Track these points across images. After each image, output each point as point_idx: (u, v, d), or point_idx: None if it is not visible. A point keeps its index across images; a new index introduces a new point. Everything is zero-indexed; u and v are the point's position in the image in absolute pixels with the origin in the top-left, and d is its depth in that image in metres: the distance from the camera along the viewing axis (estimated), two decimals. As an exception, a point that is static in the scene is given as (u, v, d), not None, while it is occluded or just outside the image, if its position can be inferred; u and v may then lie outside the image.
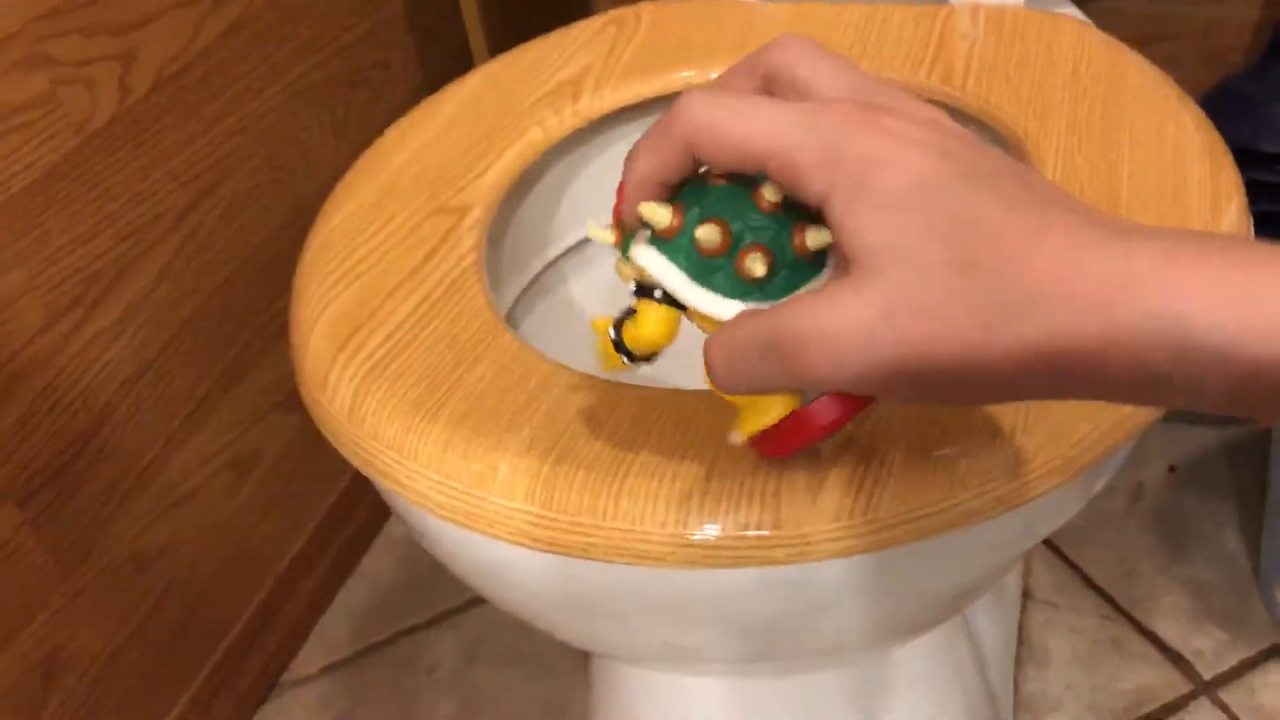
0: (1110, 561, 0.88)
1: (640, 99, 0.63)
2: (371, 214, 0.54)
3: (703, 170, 0.32)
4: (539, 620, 0.47)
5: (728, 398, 0.34)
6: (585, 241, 0.70)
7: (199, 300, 0.80)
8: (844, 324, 0.27)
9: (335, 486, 0.96)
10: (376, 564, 0.97)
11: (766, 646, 0.46)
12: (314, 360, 0.47)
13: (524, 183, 0.62)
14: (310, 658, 0.91)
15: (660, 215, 0.32)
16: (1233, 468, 0.92)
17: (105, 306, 0.72)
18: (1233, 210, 0.49)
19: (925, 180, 0.27)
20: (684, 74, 0.63)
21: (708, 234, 0.31)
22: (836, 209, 0.28)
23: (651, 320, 0.34)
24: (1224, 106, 0.84)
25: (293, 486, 0.91)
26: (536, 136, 0.60)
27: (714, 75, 0.63)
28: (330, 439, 0.45)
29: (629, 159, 0.32)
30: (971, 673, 0.72)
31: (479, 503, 0.40)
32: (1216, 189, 0.50)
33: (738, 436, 0.35)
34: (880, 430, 0.40)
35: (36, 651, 0.71)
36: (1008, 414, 0.40)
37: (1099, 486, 0.47)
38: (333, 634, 0.92)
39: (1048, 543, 0.90)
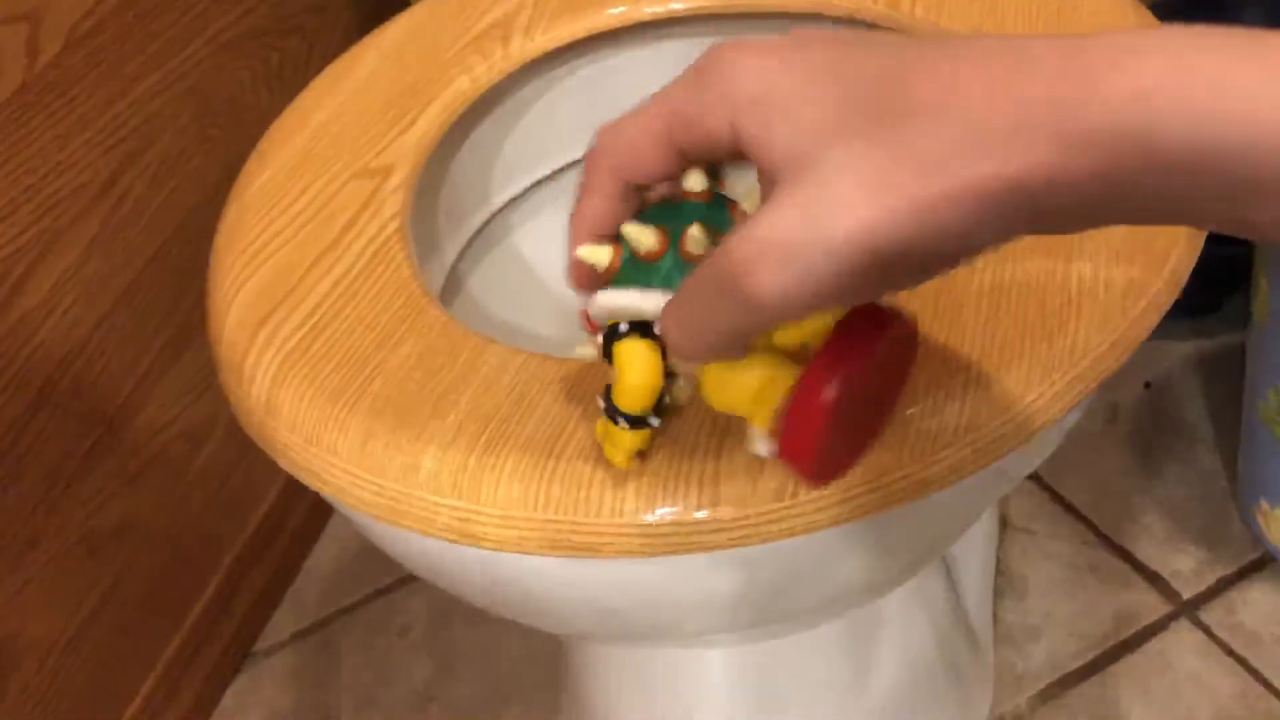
0: (1087, 485, 0.86)
1: (574, 38, 0.60)
2: (288, 181, 0.51)
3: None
4: (483, 606, 0.45)
5: (712, 396, 0.31)
6: (531, 189, 0.67)
7: (133, 271, 0.77)
8: (784, 225, 0.25)
9: (296, 449, 0.94)
10: (343, 526, 0.95)
11: (725, 621, 0.45)
12: (229, 346, 0.44)
13: (455, 135, 0.59)
14: (281, 625, 0.90)
15: (646, 236, 0.30)
16: (1208, 383, 0.90)
17: (31, 284, 0.69)
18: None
19: (817, 65, 0.26)
20: (614, 10, 0.59)
21: (697, 239, 0.30)
22: (747, 131, 0.26)
23: (639, 358, 0.31)
24: (1194, 14, 0.80)
25: (251, 453, 0.89)
26: (464, 85, 0.57)
27: (646, 9, 0.59)
28: (249, 432, 0.43)
29: (571, 218, 0.31)
30: (948, 610, 0.71)
31: (404, 498, 0.38)
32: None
33: (758, 438, 0.31)
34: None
35: (-10, 644, 0.69)
36: (959, 375, 0.38)
37: (1054, 445, 0.45)
38: (303, 599, 0.91)
39: (1023, 469, 0.88)
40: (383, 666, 0.85)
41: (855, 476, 0.36)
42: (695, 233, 0.30)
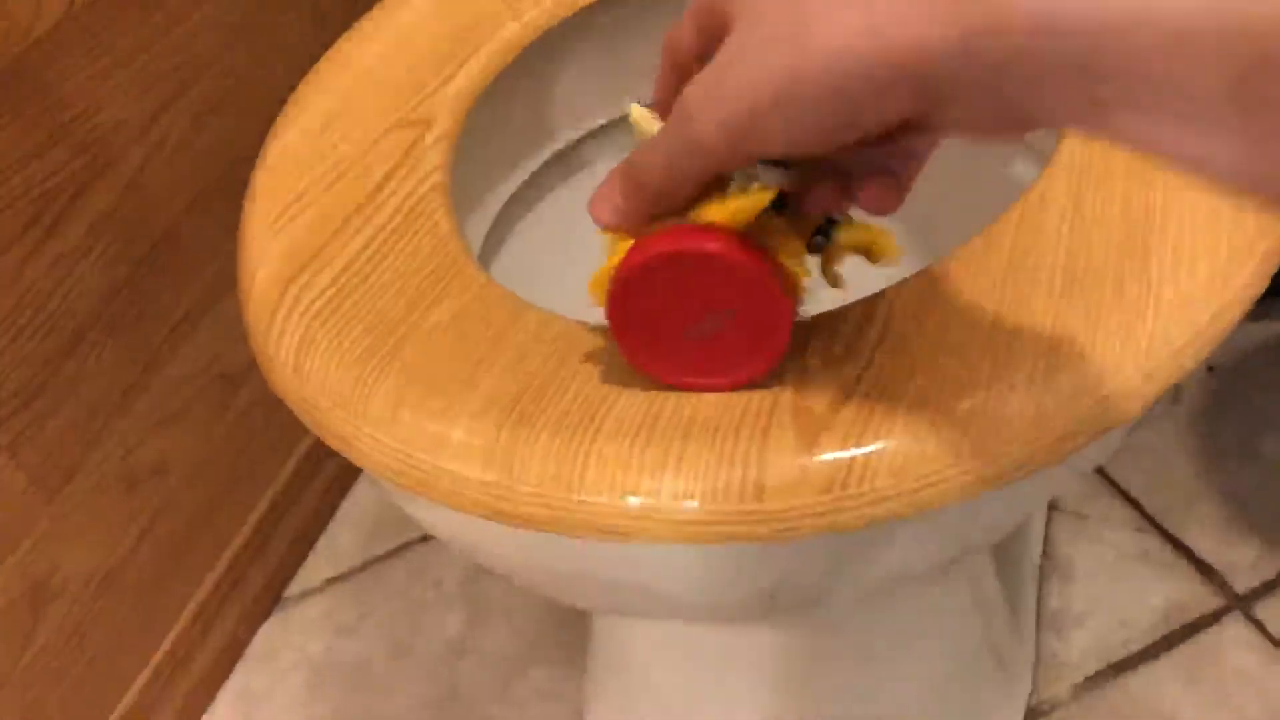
0: (1144, 469, 0.83)
1: (628, -15, 0.57)
2: (325, 131, 0.49)
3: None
4: (514, 581, 0.44)
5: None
6: (579, 143, 0.65)
7: (173, 213, 0.75)
8: (708, 73, 0.28)
9: (335, 395, 0.93)
10: (380, 474, 0.95)
11: (763, 608, 0.43)
12: (258, 305, 0.43)
13: (501, 84, 0.56)
14: (315, 570, 0.89)
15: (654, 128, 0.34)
16: (1275, 368, 0.87)
17: (66, 225, 0.68)
18: None
19: None
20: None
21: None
22: (720, 16, 0.30)
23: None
24: None
25: (289, 398, 0.88)
26: (513, 31, 0.55)
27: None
28: (278, 394, 0.41)
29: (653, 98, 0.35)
30: (991, 593, 0.69)
31: (434, 469, 0.36)
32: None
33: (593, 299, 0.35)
34: (878, 387, 0.35)
35: (23, 579, 0.69)
36: (1025, 367, 0.35)
37: (1121, 439, 0.42)
38: (338, 545, 0.91)
39: (1076, 449, 0.85)
40: (415, 617, 0.85)
41: (910, 471, 0.34)
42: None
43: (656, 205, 0.32)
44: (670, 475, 0.34)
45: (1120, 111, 0.24)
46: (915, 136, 0.28)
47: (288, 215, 0.45)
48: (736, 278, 0.33)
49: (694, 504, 0.34)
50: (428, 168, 0.47)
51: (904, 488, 0.33)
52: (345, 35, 0.55)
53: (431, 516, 0.39)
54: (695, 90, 0.29)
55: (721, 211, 0.32)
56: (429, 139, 0.48)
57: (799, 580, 0.38)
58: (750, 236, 0.33)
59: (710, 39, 0.31)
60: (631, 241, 0.33)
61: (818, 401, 0.35)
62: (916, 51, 0.25)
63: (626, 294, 0.33)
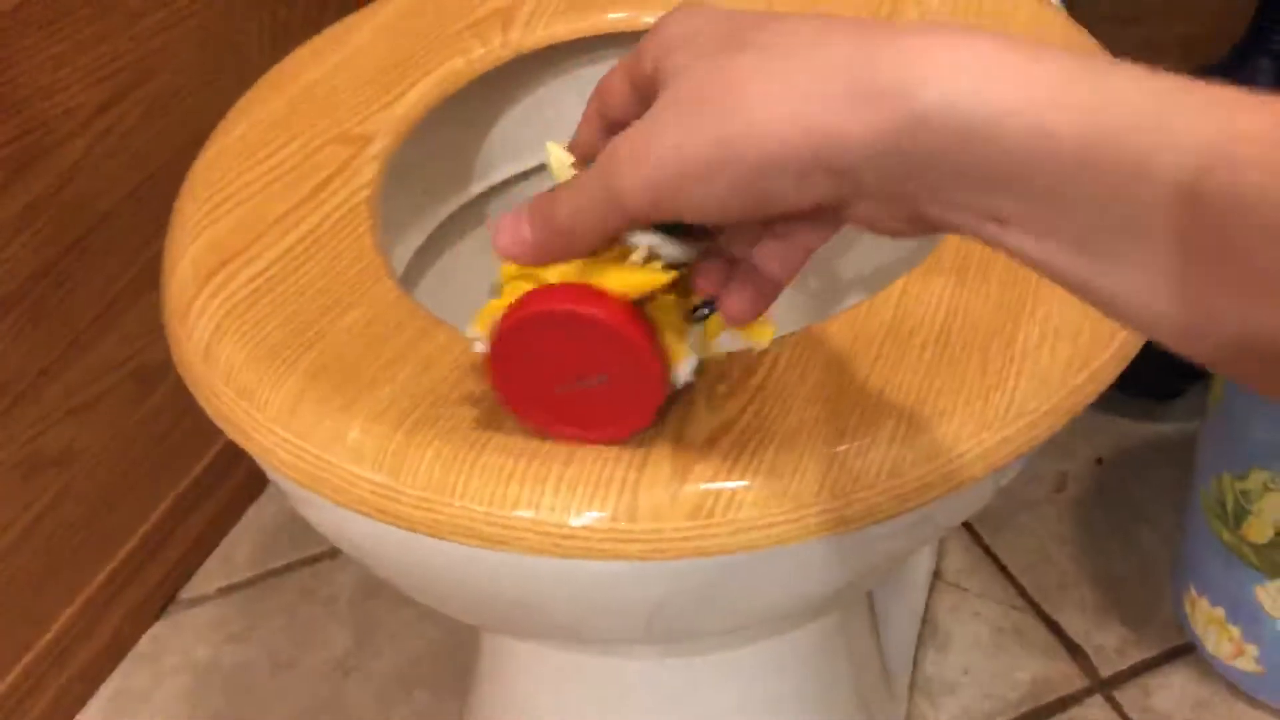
0: (1025, 549, 0.87)
1: (573, 36, 0.60)
2: (267, 135, 0.51)
3: None
4: (398, 586, 0.45)
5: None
6: (511, 180, 0.67)
7: (111, 202, 0.76)
8: (638, 131, 0.29)
9: (251, 403, 0.93)
10: (288, 486, 0.95)
11: (635, 631, 0.45)
12: (178, 290, 0.44)
13: (442, 115, 0.59)
14: (209, 577, 0.89)
15: (568, 175, 0.35)
16: (1161, 466, 0.91)
17: (5, 200, 0.68)
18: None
19: (709, 14, 0.30)
20: (615, 15, 0.59)
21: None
22: (656, 64, 0.31)
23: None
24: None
25: (204, 401, 0.88)
26: (458, 66, 0.57)
27: (645, 19, 0.59)
28: (184, 378, 0.43)
29: (572, 141, 0.37)
30: (868, 651, 0.71)
31: (326, 466, 0.38)
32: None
33: (477, 334, 0.36)
34: (754, 428, 0.37)
35: (-90, 553, 0.68)
36: (891, 419, 0.38)
37: (994, 489, 0.45)
38: (234, 555, 0.91)
39: (964, 525, 0.89)
40: (304, 632, 0.85)
41: (773, 505, 0.36)
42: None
43: (561, 246, 0.32)
44: (550, 491, 0.36)
45: (1016, 230, 0.25)
46: (824, 223, 0.30)
47: (221, 210, 0.47)
48: (621, 348, 0.34)
49: (569, 519, 0.36)
50: (360, 182, 0.49)
51: (764, 521, 0.36)
52: (296, 50, 0.57)
53: (322, 513, 0.41)
54: (624, 145, 0.29)
55: (619, 281, 0.33)
56: (366, 154, 0.50)
57: (671, 604, 0.40)
58: (640, 308, 0.34)
59: (642, 95, 0.32)
60: (523, 286, 0.34)
61: (697, 435, 0.37)
62: (837, 142, 0.26)
63: (513, 340, 0.34)
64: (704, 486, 0.36)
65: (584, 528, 0.36)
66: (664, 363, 0.35)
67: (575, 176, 0.32)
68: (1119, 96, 0.23)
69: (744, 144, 0.27)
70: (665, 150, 0.28)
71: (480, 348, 0.36)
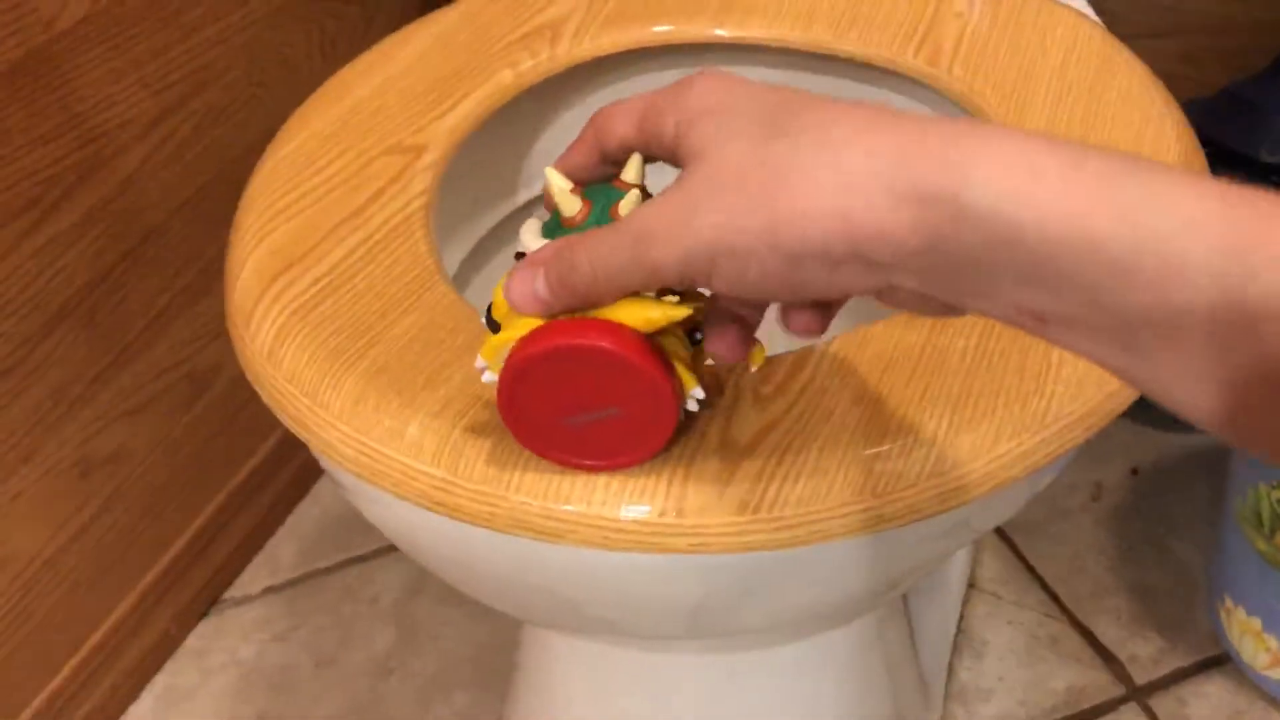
0: (1060, 558, 0.87)
1: (619, 49, 0.61)
2: (323, 147, 0.53)
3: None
4: (450, 580, 0.47)
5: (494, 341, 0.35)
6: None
7: (165, 212, 0.78)
8: (676, 204, 0.29)
9: (296, 408, 0.95)
10: (330, 491, 0.97)
11: (679, 626, 0.46)
12: (241, 295, 0.46)
13: (492, 126, 0.60)
14: (254, 578, 0.91)
15: (570, 204, 0.35)
16: (1196, 476, 0.91)
17: (64, 210, 0.71)
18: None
19: (747, 90, 0.31)
20: (660, 28, 0.61)
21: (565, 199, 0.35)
22: (681, 130, 0.31)
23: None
24: (1229, 111, 0.82)
25: (251, 405, 0.90)
26: (506, 79, 0.59)
27: (689, 31, 0.61)
28: (249, 378, 0.44)
29: (560, 159, 0.37)
30: (903, 657, 0.72)
31: (386, 460, 0.39)
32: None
33: (485, 365, 0.35)
34: (799, 427, 0.39)
35: (-29, 549, 0.71)
36: (931, 422, 0.39)
37: (1032, 494, 0.46)
38: (279, 556, 0.93)
39: (999, 533, 0.89)
40: (347, 631, 0.87)
41: (817, 503, 0.37)
42: (628, 204, 0.35)
43: (575, 306, 0.33)
44: (601, 486, 0.38)
45: (1056, 326, 0.26)
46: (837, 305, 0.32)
47: (280, 219, 0.48)
48: (638, 382, 0.34)
49: (619, 513, 0.37)
50: (415, 190, 0.50)
51: (808, 518, 0.37)
52: (349, 64, 0.59)
53: (381, 507, 0.42)
54: (658, 218, 0.30)
55: (634, 316, 0.33)
56: (419, 165, 0.52)
57: (714, 599, 0.41)
58: (653, 341, 0.34)
59: (651, 145, 0.33)
60: (533, 320, 0.34)
61: (743, 433, 0.39)
62: (877, 238, 0.26)
63: (527, 374, 0.34)
64: (750, 483, 0.37)
65: (633, 521, 0.37)
66: (679, 395, 0.35)
67: (593, 236, 0.32)
68: (1159, 202, 0.24)
69: (785, 232, 0.27)
70: (704, 228, 0.28)
71: (489, 378, 0.36)
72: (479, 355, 0.35)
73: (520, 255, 0.35)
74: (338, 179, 0.51)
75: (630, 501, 0.37)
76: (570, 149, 0.36)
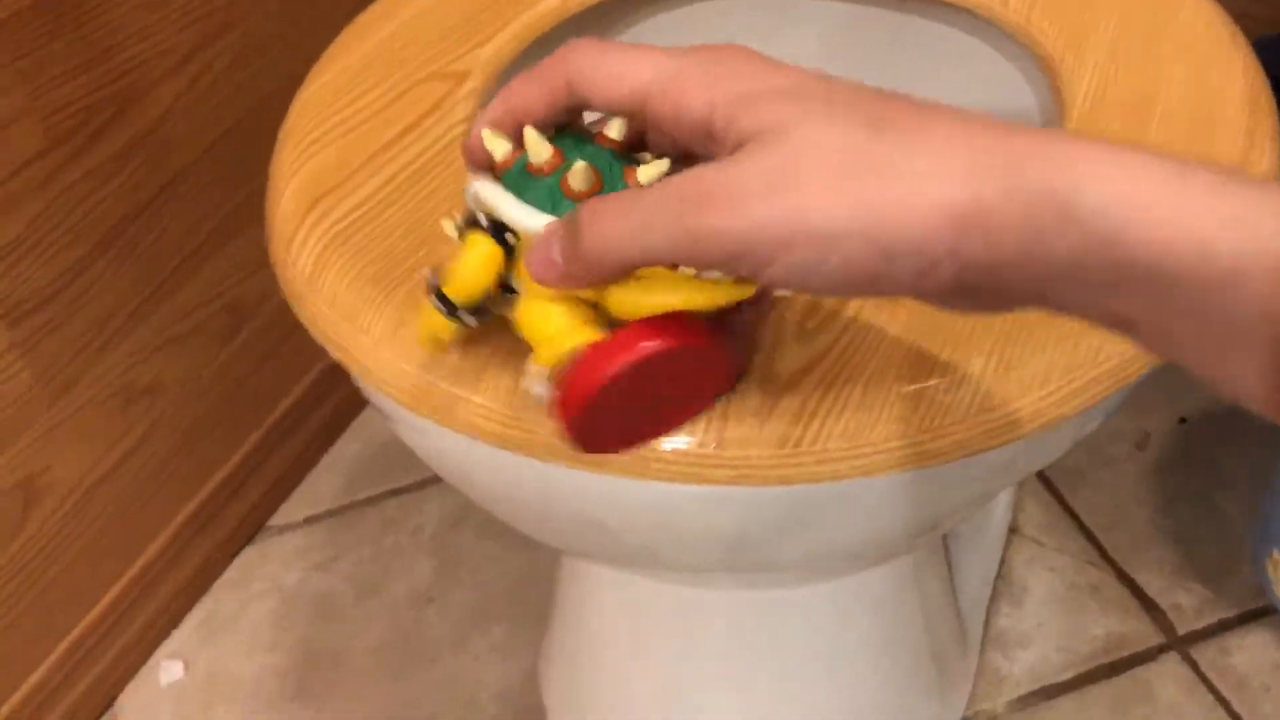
0: (1104, 506, 0.86)
1: (665, -23, 0.60)
2: (361, 74, 0.52)
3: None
4: (490, 507, 0.47)
5: (522, 318, 0.31)
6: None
7: (203, 144, 0.78)
8: (752, 175, 0.26)
9: (336, 343, 0.95)
10: (371, 422, 0.98)
11: (717, 559, 0.46)
12: (282, 221, 0.45)
13: (533, 55, 0.59)
14: (296, 507, 0.92)
15: (544, 149, 0.30)
16: (1245, 428, 0.89)
17: (106, 139, 0.71)
18: (1264, 163, 0.46)
19: (810, 77, 0.28)
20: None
21: (581, 174, 0.30)
22: (725, 111, 0.28)
23: (482, 253, 0.31)
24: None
25: (292, 338, 0.91)
26: (552, 5, 0.58)
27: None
28: (290, 302, 0.44)
29: (502, 92, 0.32)
30: (942, 601, 0.72)
31: (426, 385, 0.39)
32: (1252, 138, 0.46)
33: (535, 376, 0.31)
34: (844, 361, 0.38)
35: (17, 473, 0.72)
36: (982, 357, 0.38)
37: (1079, 436, 0.45)
38: (321, 487, 0.93)
39: (1042, 479, 0.88)
40: (388, 561, 0.87)
41: (860, 437, 0.36)
42: (581, 169, 0.30)
43: (604, 277, 0.29)
44: (642, 416, 0.37)
45: (1144, 332, 0.25)
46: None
47: (319, 145, 0.48)
48: (711, 366, 0.31)
49: (660, 443, 0.37)
50: (456, 118, 0.50)
51: (851, 453, 0.36)
52: (387, -6, 0.58)
53: (421, 434, 0.42)
54: (722, 184, 0.26)
55: (700, 297, 0.30)
56: (460, 92, 0.51)
57: (753, 532, 0.41)
58: (708, 319, 0.30)
59: (668, 126, 0.29)
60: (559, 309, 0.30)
61: (787, 366, 0.38)
62: (980, 239, 0.25)
63: (602, 396, 0.29)
64: (792, 417, 0.37)
65: (673, 451, 0.37)
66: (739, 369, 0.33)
67: (624, 197, 0.28)
68: (1268, 209, 0.24)
69: (886, 224, 0.25)
70: (786, 206, 0.26)
71: (541, 392, 0.31)
72: (529, 371, 0.31)
73: (473, 224, 0.31)
74: (377, 106, 0.50)
75: (674, 433, 0.37)
76: (523, 86, 0.31)
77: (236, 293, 0.85)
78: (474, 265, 0.31)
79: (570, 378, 0.29)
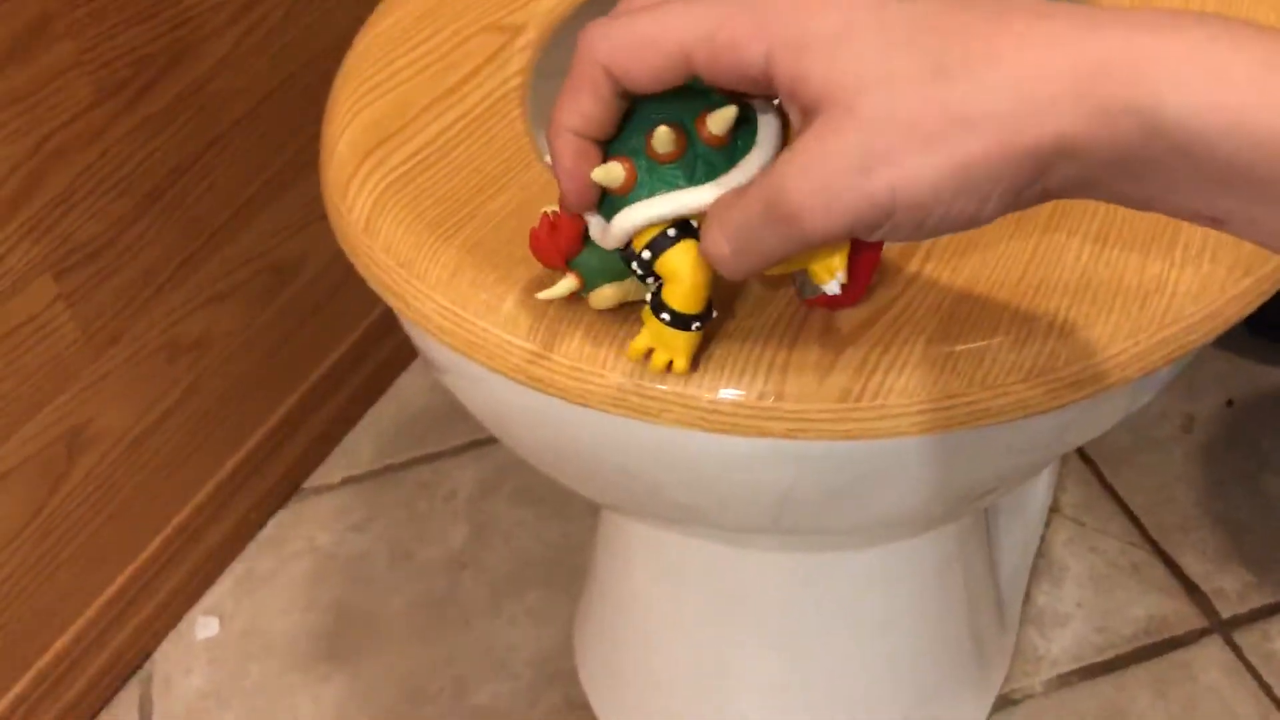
0: (1147, 488, 0.85)
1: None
2: (418, 24, 0.52)
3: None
4: (536, 460, 0.46)
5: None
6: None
7: (254, 99, 0.78)
8: (831, 167, 0.26)
9: (378, 304, 0.96)
10: (410, 387, 0.98)
11: (764, 518, 0.45)
12: (337, 167, 0.45)
13: (589, 9, 0.59)
14: (333, 469, 0.93)
15: (614, 173, 0.31)
16: (1293, 412, 0.88)
17: (157, 91, 0.71)
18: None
19: (868, 7, 0.26)
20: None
21: (663, 138, 0.31)
22: (785, 66, 0.27)
23: (695, 257, 0.32)
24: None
25: (335, 299, 0.91)
26: (606, -37, 0.57)
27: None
28: (345, 248, 0.44)
29: (553, 129, 0.31)
30: (982, 578, 0.71)
31: (481, 333, 0.39)
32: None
33: (830, 274, 0.32)
34: (905, 317, 0.37)
35: (62, 424, 0.72)
36: (1046, 316, 0.37)
37: (1133, 407, 0.45)
38: (358, 449, 0.94)
39: (1085, 460, 0.87)
40: (423, 525, 0.88)
41: (920, 393, 0.36)
42: (662, 133, 0.31)
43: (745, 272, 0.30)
44: (700, 367, 0.37)
45: (1236, 224, 0.25)
46: None
47: (376, 93, 0.48)
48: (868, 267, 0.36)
49: (717, 394, 0.36)
50: (511, 70, 0.49)
51: (911, 409, 0.36)
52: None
53: (473, 382, 0.42)
54: (805, 189, 0.26)
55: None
56: (516, 44, 0.51)
57: (804, 489, 0.40)
58: None
59: (732, 83, 0.28)
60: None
61: (847, 321, 0.37)
62: (1070, 162, 0.25)
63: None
64: (853, 371, 0.36)
65: (731, 403, 0.36)
66: None
67: (737, 215, 0.29)
68: None
69: (977, 173, 0.25)
70: (878, 189, 0.26)
71: (834, 288, 0.33)
72: (832, 272, 0.32)
73: (663, 234, 0.32)
74: (434, 55, 0.50)
75: (729, 383, 0.36)
76: (573, 97, 0.30)
77: (281, 252, 0.85)
78: (702, 270, 0.32)
79: (855, 266, 0.33)
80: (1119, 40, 0.25)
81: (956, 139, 0.25)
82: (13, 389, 0.68)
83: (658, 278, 0.33)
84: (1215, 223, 0.26)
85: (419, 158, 0.45)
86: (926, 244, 0.40)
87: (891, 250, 0.40)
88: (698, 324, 0.34)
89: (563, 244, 0.34)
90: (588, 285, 0.35)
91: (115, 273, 0.73)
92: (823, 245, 0.29)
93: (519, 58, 0.50)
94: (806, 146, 0.26)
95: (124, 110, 0.69)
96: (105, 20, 0.66)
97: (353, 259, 0.43)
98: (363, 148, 0.45)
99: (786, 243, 0.28)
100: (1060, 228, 0.40)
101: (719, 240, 0.29)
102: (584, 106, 0.30)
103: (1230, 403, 0.89)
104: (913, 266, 0.39)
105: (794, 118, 0.28)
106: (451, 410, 0.95)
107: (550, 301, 0.38)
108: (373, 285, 0.42)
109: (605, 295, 0.36)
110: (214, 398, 0.83)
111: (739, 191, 0.29)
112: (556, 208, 0.35)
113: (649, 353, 0.35)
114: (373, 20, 0.54)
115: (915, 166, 0.25)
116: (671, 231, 0.32)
